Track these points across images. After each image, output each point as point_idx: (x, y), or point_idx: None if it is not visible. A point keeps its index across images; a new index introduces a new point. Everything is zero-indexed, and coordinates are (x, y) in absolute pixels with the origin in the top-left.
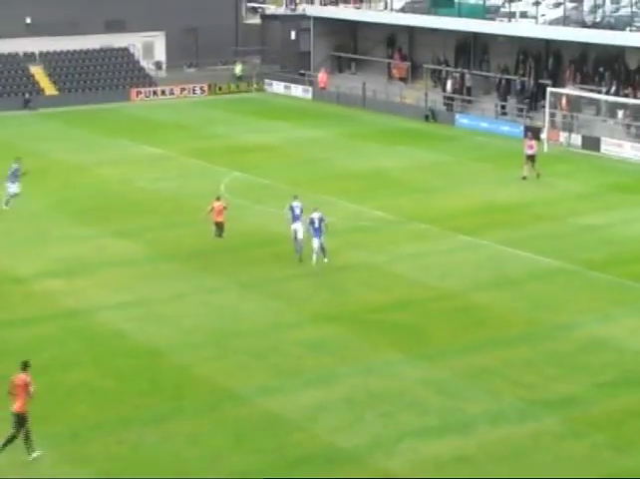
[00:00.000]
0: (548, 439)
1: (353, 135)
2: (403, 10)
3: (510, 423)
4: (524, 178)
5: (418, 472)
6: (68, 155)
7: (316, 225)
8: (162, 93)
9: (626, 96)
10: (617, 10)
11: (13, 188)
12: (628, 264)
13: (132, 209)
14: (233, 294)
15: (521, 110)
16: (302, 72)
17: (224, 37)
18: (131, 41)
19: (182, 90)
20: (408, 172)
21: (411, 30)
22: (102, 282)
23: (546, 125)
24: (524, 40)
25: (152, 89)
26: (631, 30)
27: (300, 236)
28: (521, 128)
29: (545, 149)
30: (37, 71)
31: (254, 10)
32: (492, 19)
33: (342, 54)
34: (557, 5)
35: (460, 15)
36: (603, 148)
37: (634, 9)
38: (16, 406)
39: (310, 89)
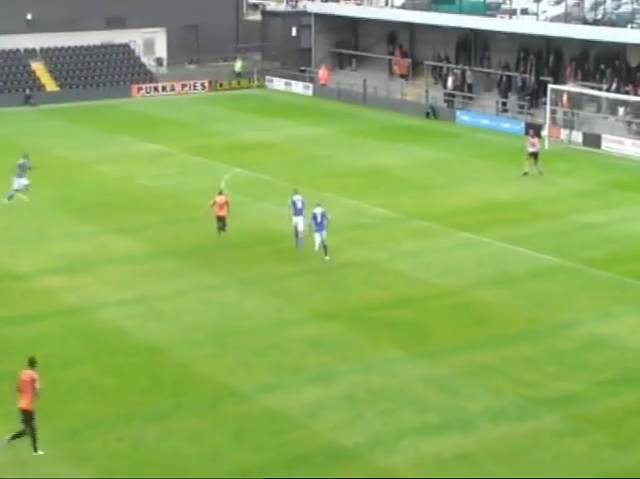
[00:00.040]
0: (549, 437)
1: (354, 132)
2: (404, 7)
3: (511, 421)
4: (526, 173)
5: (418, 470)
6: (68, 151)
7: (318, 219)
8: (163, 89)
9: (627, 93)
10: (618, 7)
11: (19, 182)
12: (629, 262)
13: (132, 205)
14: (234, 292)
15: (522, 107)
16: (303, 69)
17: (225, 33)
18: (131, 37)
19: (183, 86)
20: (408, 169)
21: (412, 27)
22: (102, 279)
23: (547, 122)
24: (525, 37)
25: (152, 85)
26: (632, 27)
27: (301, 228)
28: (522, 125)
29: (546, 146)
30: (38, 67)
31: (255, 6)
32: (493, 16)
33: (343, 51)
34: (558, 2)
35: (460, 12)
36: (604, 145)
37: (635, 6)
38: (23, 403)
39: (311, 85)
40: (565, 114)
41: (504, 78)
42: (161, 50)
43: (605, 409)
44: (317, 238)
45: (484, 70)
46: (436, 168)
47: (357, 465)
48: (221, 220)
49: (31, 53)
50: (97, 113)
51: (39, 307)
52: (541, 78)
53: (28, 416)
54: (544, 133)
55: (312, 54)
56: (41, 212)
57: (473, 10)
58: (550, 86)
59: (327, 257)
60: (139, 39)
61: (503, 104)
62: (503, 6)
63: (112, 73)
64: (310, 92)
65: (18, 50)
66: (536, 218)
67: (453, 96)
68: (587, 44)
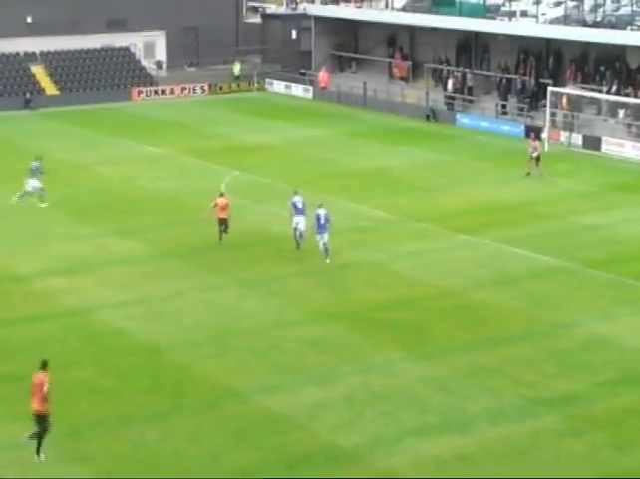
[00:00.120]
0: (549, 437)
1: (354, 134)
2: (404, 9)
3: (511, 421)
4: (528, 173)
5: (418, 471)
6: (69, 154)
7: (322, 221)
8: (163, 92)
9: (627, 95)
10: (618, 9)
11: (32, 183)
12: (628, 263)
13: (132, 207)
14: (234, 292)
15: (522, 109)
16: (303, 71)
17: (225, 36)
18: (131, 40)
19: (183, 89)
20: (408, 171)
21: (412, 29)
22: (102, 281)
23: (547, 124)
24: (525, 39)
25: (152, 88)
26: (632, 29)
27: (302, 227)
28: (522, 127)
29: (546, 148)
30: (38, 70)
31: (255, 9)
32: (493, 18)
33: (343, 53)
34: (558, 4)
35: (460, 14)
36: (604, 147)
37: (635, 8)
38: (34, 406)
39: (311, 88)
40: (565, 116)
41: (504, 80)
42: (161, 53)
43: (605, 409)
44: (320, 239)
45: (484, 72)
46: (435, 169)
47: (357, 466)
48: (223, 222)
49: (31, 56)
50: (97, 116)
51: (39, 309)
52: (541, 80)
53: (38, 419)
54: (544, 135)
55: (312, 56)
56: (41, 213)
57: (472, 12)
58: (550, 88)
59: (327, 261)
60: (139, 42)
61: (503, 106)
62: (503, 8)
63: (112, 76)
64: (310, 94)
65: (18, 53)
66: (536, 219)
67: (452, 98)
68: (587, 46)
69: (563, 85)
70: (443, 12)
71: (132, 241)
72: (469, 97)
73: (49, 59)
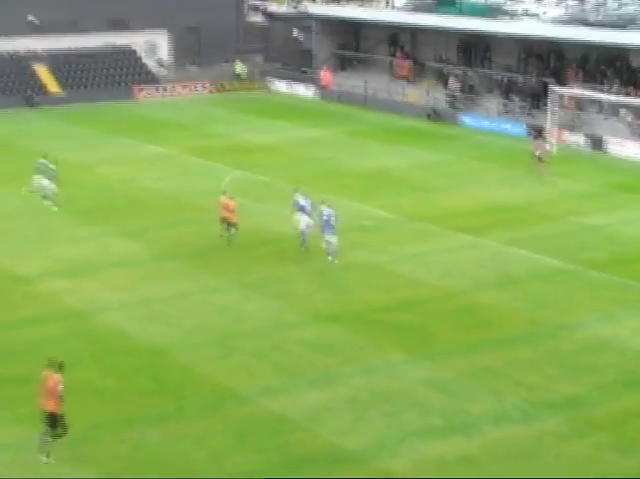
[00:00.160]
0: (551, 439)
1: (355, 134)
2: (405, 9)
3: (513, 423)
4: (541, 176)
5: (421, 472)
6: (70, 153)
7: (325, 218)
8: (165, 91)
9: (629, 95)
10: (620, 9)
11: (40, 182)
12: (631, 264)
13: (134, 208)
14: (236, 294)
15: (524, 109)
16: (305, 70)
17: (227, 35)
18: (134, 39)
19: (185, 88)
20: (410, 171)
21: (413, 29)
22: (104, 282)
23: (549, 124)
24: (527, 39)
25: (155, 87)
26: (634, 29)
27: (303, 226)
28: (524, 127)
29: (548, 148)
30: (40, 69)
31: (257, 8)
32: (495, 18)
33: (345, 52)
34: (560, 4)
35: (462, 14)
36: (606, 147)
37: (637, 8)
38: (48, 407)
39: (313, 87)
40: (567, 116)
41: (506, 80)
42: (164, 52)
43: (607, 411)
44: (327, 239)
45: (487, 72)
46: (437, 170)
47: (359, 468)
48: (226, 221)
49: (33, 55)
50: (99, 115)
51: (42, 310)
52: (543, 80)
53: (51, 419)
54: (547, 135)
55: (314, 56)
56: (43, 214)
57: (474, 12)
58: (552, 88)
59: (330, 258)
60: (141, 41)
61: (505, 106)
62: (505, 8)
63: (114, 75)
64: (312, 94)
65: (21, 52)
66: (538, 219)
67: (454, 98)
68: (589, 46)
69: (565, 85)
70: (444, 12)
71: (134, 242)
72: (470, 96)
73: (51, 58)
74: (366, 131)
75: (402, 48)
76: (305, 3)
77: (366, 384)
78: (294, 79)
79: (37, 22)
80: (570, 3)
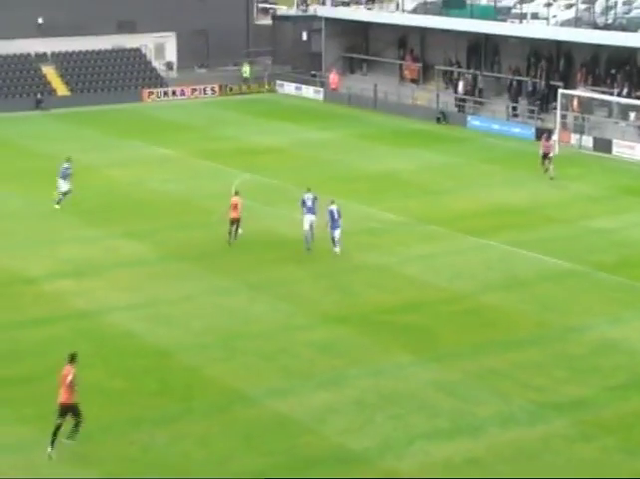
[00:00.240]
0: (559, 442)
1: (364, 136)
2: (414, 11)
3: (521, 426)
4: (552, 178)
5: (428, 474)
6: (79, 155)
7: (335, 216)
8: (174, 93)
9: (638, 97)
10: (629, 11)
11: (64, 185)
12: (639, 267)
13: (142, 210)
14: (243, 296)
15: (533, 111)
16: (313, 73)
17: (235, 38)
18: (142, 42)
19: (194, 90)
20: (418, 173)
21: (422, 31)
22: (111, 283)
23: (558, 126)
24: (536, 41)
25: (163, 89)
26: None
27: (307, 226)
28: (533, 129)
29: (557, 150)
30: (49, 71)
31: (265, 11)
32: (504, 20)
33: (353, 55)
34: (569, 6)
35: (471, 16)
36: (615, 149)
37: None
38: (61, 398)
39: (321, 90)
40: (576, 118)
41: (515, 82)
42: (172, 54)
43: (615, 414)
44: (332, 233)
45: (495, 74)
46: (445, 172)
47: (366, 469)
48: (235, 222)
49: (42, 57)
50: (107, 117)
51: (48, 311)
52: (552, 82)
53: (62, 410)
54: (555, 137)
55: (323, 58)
56: (51, 215)
57: (483, 15)
58: (561, 90)
59: (336, 250)
60: (149, 43)
61: (514, 108)
62: (514, 10)
63: (122, 77)
64: (320, 96)
65: (29, 54)
66: (546, 222)
67: (463, 100)
68: (598, 48)
69: (574, 87)
70: (453, 14)
71: (141, 244)
72: (479, 99)
73: (60, 60)
74: (374, 133)
75: (411, 50)
76: (314, 5)
77: (373, 386)
78: (303, 81)
79: (44, 24)
80: (580, 6)
